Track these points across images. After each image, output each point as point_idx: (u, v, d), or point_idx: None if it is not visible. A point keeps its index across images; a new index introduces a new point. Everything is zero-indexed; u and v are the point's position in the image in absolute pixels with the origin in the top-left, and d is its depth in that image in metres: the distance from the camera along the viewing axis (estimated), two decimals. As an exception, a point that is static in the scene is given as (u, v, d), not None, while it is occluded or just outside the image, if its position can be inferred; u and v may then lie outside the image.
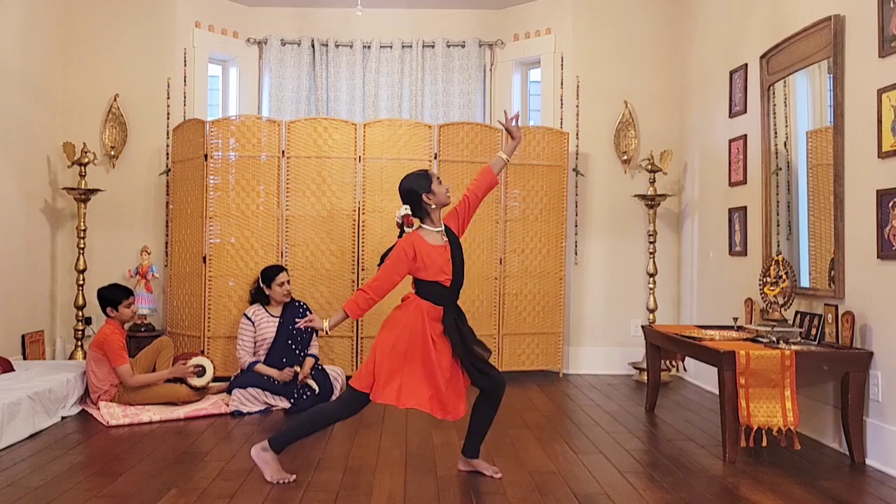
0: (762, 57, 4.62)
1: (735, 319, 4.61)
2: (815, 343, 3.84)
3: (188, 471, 3.39)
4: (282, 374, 4.72)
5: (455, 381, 3.24)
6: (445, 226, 3.30)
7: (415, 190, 3.23)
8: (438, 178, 3.30)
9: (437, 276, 3.20)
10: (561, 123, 6.17)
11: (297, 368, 4.76)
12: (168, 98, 6.03)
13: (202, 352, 5.34)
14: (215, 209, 5.45)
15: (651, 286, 5.85)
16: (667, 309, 6.06)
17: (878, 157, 3.53)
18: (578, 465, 3.51)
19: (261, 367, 4.77)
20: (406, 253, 3.15)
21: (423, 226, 3.27)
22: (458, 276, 3.25)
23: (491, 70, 6.61)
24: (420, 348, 3.16)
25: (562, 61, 6.22)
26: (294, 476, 3.25)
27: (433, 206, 3.25)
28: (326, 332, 3.22)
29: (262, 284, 4.97)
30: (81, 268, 5.59)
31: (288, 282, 4.95)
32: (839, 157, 3.82)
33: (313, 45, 6.50)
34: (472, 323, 5.30)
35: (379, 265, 3.25)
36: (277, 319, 4.91)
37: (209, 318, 5.42)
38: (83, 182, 5.60)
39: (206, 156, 5.46)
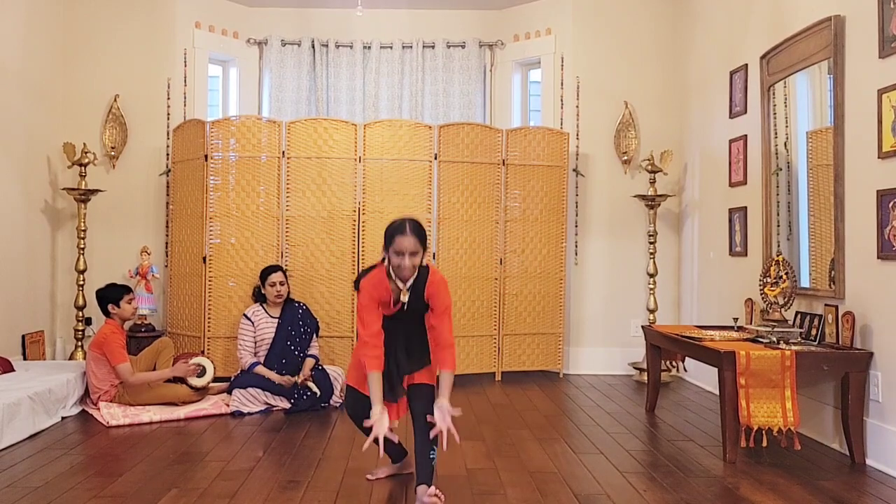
0: (762, 57, 4.62)
1: (735, 320, 4.62)
2: (816, 343, 3.84)
3: (188, 471, 3.39)
4: (281, 378, 4.72)
5: None
6: (417, 292, 3.06)
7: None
8: (402, 252, 2.97)
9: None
10: (561, 124, 6.18)
11: (297, 379, 4.74)
12: (168, 98, 6.03)
13: (202, 352, 5.34)
14: (215, 209, 5.45)
15: (651, 286, 5.85)
16: (667, 309, 6.06)
17: (879, 157, 3.53)
18: (578, 465, 3.51)
19: (261, 370, 4.76)
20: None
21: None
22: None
23: (491, 70, 6.61)
24: None
25: (562, 62, 6.22)
26: None
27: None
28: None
29: (260, 283, 5.00)
30: (81, 268, 5.60)
31: (281, 283, 4.93)
32: (839, 157, 3.83)
33: (313, 46, 6.50)
34: (472, 323, 5.49)
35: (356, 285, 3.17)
36: (276, 320, 4.92)
37: (209, 318, 5.42)
38: (83, 182, 5.60)
39: (206, 156, 5.46)
